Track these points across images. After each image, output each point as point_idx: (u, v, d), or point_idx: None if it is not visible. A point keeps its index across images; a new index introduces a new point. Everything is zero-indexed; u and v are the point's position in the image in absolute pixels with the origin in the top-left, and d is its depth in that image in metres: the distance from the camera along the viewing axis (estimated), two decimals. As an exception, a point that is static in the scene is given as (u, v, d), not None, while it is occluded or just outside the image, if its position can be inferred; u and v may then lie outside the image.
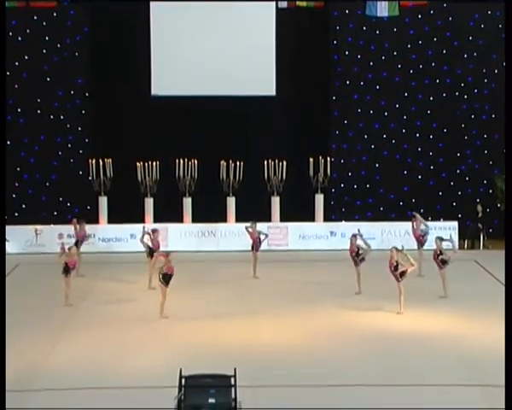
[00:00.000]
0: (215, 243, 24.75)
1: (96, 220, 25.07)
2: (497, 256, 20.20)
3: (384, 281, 18.96)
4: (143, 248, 20.44)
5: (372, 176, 26.92)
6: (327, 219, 25.72)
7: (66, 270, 18.43)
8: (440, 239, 19.18)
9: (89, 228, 22.98)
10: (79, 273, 20.65)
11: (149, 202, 25.27)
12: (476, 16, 26.44)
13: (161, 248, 20.39)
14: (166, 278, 17.23)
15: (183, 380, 9.92)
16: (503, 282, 14.48)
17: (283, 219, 25.01)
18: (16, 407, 12.19)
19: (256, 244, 21.22)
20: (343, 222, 25.49)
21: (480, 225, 25.37)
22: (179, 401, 9.80)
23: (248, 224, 21.54)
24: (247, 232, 21.51)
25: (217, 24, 25.82)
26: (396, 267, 17.61)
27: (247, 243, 21.64)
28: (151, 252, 19.98)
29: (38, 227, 24.44)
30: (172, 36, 25.95)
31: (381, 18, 26.23)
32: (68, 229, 23.94)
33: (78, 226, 21.84)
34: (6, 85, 23.46)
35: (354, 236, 19.68)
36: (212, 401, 9.67)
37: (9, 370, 12.51)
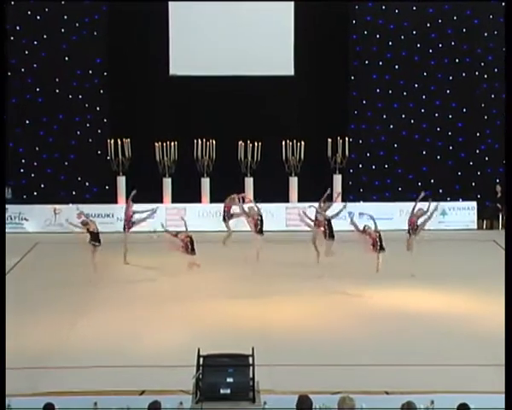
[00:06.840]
0: (233, 223, 24.72)
1: (114, 200, 25.17)
2: (516, 237, 20.06)
3: (397, 260, 18.97)
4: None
5: (390, 156, 26.80)
6: (345, 199, 25.65)
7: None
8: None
9: (107, 208, 23.19)
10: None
11: (167, 183, 25.32)
12: (497, -7, 26.18)
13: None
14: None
15: (201, 360, 9.96)
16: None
17: (301, 199, 24.97)
18: (35, 384, 12.31)
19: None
20: (361, 202, 25.44)
21: (498, 205, 25.27)
22: (197, 380, 9.85)
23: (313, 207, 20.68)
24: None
25: (235, 3, 25.71)
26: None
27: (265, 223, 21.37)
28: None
29: (57, 207, 24.55)
30: (191, 15, 25.85)
31: (401, -4, 26.05)
32: (87, 208, 24.15)
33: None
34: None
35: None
36: (230, 380, 9.71)
37: (29, 347, 12.62)
